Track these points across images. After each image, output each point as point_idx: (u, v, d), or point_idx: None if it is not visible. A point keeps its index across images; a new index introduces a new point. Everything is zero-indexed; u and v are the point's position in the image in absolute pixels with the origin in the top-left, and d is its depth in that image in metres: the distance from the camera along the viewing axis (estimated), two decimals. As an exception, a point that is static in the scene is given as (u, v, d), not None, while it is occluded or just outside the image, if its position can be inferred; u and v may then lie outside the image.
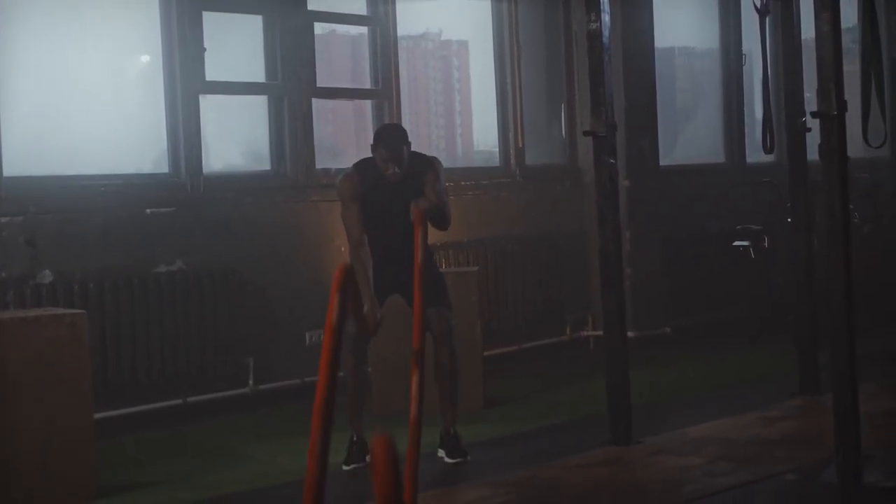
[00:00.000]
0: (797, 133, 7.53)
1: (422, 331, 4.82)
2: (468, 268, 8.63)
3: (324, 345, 2.98)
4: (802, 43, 7.63)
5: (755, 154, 11.85)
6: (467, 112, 10.23)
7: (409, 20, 9.23)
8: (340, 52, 9.19)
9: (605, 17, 6.36)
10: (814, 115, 5.76)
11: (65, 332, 5.77)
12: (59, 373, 5.73)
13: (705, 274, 10.51)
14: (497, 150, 9.84)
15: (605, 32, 6.36)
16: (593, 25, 6.36)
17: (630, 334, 8.57)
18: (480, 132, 10.09)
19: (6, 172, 7.05)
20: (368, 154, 6.44)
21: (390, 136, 6.42)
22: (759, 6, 7.50)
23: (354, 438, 6.37)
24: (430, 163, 6.50)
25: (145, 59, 7.82)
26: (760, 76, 7.80)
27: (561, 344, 9.88)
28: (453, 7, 9.78)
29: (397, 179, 6.29)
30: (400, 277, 6.30)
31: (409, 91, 9.59)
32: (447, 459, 6.36)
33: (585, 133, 6.53)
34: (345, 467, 6.29)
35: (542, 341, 9.72)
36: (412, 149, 6.48)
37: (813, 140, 6.39)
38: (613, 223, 6.37)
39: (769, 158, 11.75)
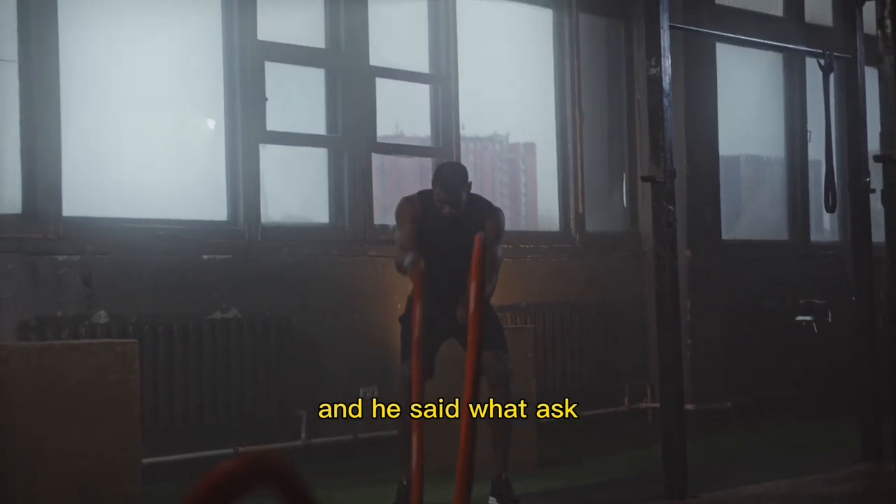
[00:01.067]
0: (860, 192, 7.41)
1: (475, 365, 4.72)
2: (525, 325, 8.54)
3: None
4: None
5: (819, 233, 11.75)
6: (533, 215, 10.18)
7: (474, 121, 9.25)
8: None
9: (666, 63, 6.33)
10: (877, 158, 5.69)
11: (115, 361, 5.75)
12: (108, 400, 5.70)
13: (767, 349, 10.34)
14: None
15: (666, 78, 6.32)
16: (653, 70, 6.33)
17: (689, 407, 8.45)
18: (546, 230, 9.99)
19: (66, 212, 7.08)
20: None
21: (448, 176, 6.33)
22: (822, 63, 7.44)
23: (404, 482, 6.26)
24: (493, 212, 6.40)
25: (207, 106, 7.85)
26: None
27: (618, 414, 9.73)
28: (520, 110, 9.77)
29: (452, 218, 6.23)
30: (454, 321, 6.22)
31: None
32: (497, 504, 6.24)
33: (644, 178, 6.48)
34: (393, 511, 6.18)
35: (599, 410, 9.58)
36: (476, 191, 6.44)
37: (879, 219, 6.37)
38: (671, 268, 6.27)
39: (833, 238, 11.69)
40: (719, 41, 9.69)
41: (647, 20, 6.45)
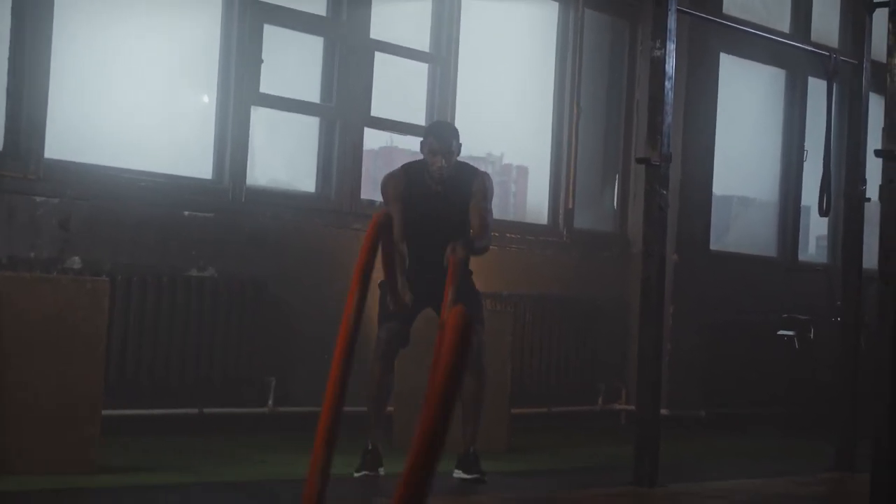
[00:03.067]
0: (856, 199, 7.32)
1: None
2: (505, 310, 8.42)
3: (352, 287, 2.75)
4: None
5: (806, 254, 11.65)
6: (522, 207, 10.07)
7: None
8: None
9: (671, 46, 6.23)
10: (877, 153, 5.58)
11: (85, 297, 5.60)
12: (74, 337, 5.55)
13: (746, 362, 10.21)
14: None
15: (670, 61, 6.22)
16: (657, 52, 6.23)
17: (663, 412, 8.32)
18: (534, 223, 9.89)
19: (48, 154, 6.94)
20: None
21: (440, 128, 6.33)
22: (828, 70, 7.35)
23: (370, 447, 6.13)
24: (479, 175, 6.34)
25: (202, 62, 7.72)
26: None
27: (591, 413, 9.60)
28: (515, 132, 9.67)
29: (443, 175, 6.14)
30: (434, 289, 6.10)
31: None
32: (463, 475, 6.09)
33: (639, 160, 6.37)
34: (355, 474, 6.05)
35: (572, 407, 9.44)
36: (463, 159, 6.35)
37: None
38: (659, 255, 6.17)
39: (822, 259, 11.59)
40: (723, 45, 9.60)
41: (655, 3, 6.35)
